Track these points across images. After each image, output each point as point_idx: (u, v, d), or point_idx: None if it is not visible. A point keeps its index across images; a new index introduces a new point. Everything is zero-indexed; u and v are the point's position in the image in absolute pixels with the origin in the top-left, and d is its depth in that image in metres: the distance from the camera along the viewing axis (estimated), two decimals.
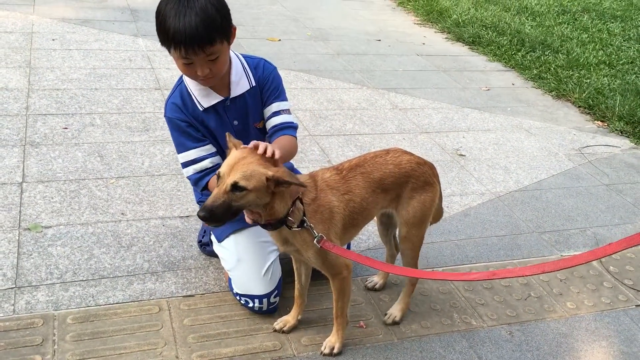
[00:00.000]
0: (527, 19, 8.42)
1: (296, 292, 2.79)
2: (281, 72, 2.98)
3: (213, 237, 3.02)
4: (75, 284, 2.94)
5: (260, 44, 6.33)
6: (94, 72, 5.25)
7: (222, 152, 2.78)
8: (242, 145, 2.32)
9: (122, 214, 3.48)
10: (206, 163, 2.75)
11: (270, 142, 2.84)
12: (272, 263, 2.86)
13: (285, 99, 2.87)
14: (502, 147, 4.92)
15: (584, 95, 6.03)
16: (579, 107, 5.95)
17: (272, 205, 2.29)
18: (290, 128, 2.82)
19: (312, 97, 5.37)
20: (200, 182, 2.77)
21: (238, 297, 2.89)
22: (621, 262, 3.65)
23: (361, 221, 2.65)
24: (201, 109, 2.73)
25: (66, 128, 4.29)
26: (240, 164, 2.21)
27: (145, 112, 4.69)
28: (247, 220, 2.39)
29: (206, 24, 2.40)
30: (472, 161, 4.63)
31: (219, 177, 2.23)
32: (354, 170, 2.58)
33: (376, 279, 3.17)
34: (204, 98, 2.72)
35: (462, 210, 3.97)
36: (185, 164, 2.78)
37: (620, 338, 3.04)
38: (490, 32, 7.66)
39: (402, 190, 2.68)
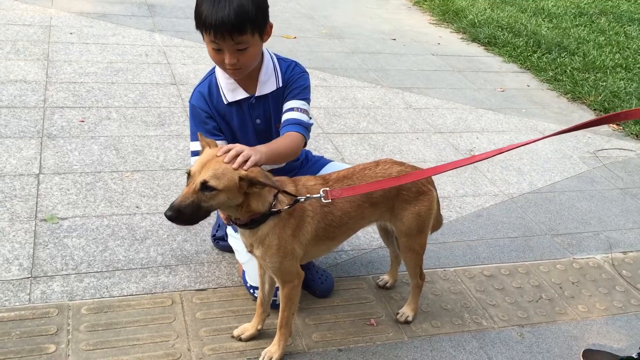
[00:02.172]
0: (544, 21, 8.38)
1: (258, 301, 2.69)
2: None
3: (229, 230, 3.04)
4: (90, 275, 2.98)
5: (275, 41, 6.34)
6: (111, 66, 5.30)
7: None
8: (215, 145, 2.31)
9: (137, 207, 3.52)
10: None
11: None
12: None
13: (305, 99, 2.80)
14: (516, 150, 4.90)
15: (599, 98, 5.99)
16: (595, 110, 5.92)
17: (248, 204, 2.24)
18: (299, 125, 2.73)
19: (326, 95, 5.38)
20: None
21: (252, 291, 2.91)
22: (634, 266, 3.64)
23: (340, 235, 2.58)
24: (225, 103, 2.75)
25: (83, 121, 4.33)
26: (212, 162, 2.15)
27: (160, 106, 4.72)
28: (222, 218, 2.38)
29: (239, 12, 2.42)
30: (486, 162, 4.62)
31: (189, 175, 2.18)
32: (341, 182, 2.49)
33: (386, 278, 3.17)
34: (230, 92, 2.74)
35: (475, 211, 3.96)
36: (195, 153, 2.76)
37: (632, 342, 3.03)
38: (506, 33, 7.63)
39: (394, 203, 2.61)
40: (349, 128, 4.85)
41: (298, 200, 2.35)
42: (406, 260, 2.81)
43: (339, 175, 2.54)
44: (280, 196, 2.35)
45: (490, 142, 4.96)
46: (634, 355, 2.78)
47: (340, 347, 2.76)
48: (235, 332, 2.73)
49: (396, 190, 2.59)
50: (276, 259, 2.39)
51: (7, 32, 5.63)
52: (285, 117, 2.77)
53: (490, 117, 5.47)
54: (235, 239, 2.96)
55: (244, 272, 2.95)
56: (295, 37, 6.72)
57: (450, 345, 2.86)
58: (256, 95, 2.74)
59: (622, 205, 4.28)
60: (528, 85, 6.39)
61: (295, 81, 2.80)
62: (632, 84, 6.36)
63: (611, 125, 5.61)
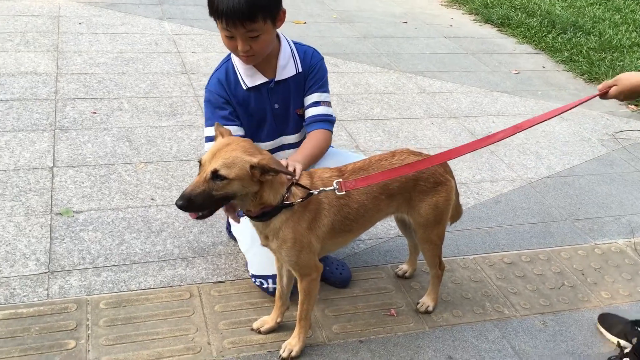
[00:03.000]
0: (558, 0, 8.22)
1: (277, 294, 2.66)
2: None
3: (231, 219, 2.99)
4: (107, 269, 2.96)
5: (285, 27, 6.23)
6: (121, 56, 5.25)
7: (256, 134, 2.80)
8: (229, 134, 2.27)
9: (152, 199, 3.49)
10: None
11: (306, 133, 2.81)
12: None
13: (327, 91, 2.84)
14: (533, 132, 4.82)
15: None
16: None
17: (260, 194, 2.20)
18: (327, 121, 2.78)
19: (338, 81, 5.31)
20: None
21: (254, 279, 2.87)
22: None
23: (357, 227, 2.54)
24: (245, 88, 2.73)
25: (95, 112, 4.30)
26: (223, 150, 2.12)
27: (172, 96, 4.68)
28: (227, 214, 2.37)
29: (250, 2, 2.40)
30: (503, 146, 4.55)
31: (200, 164, 2.15)
32: (357, 174, 2.43)
33: (405, 267, 3.13)
34: (249, 77, 2.73)
35: (493, 197, 3.90)
36: (210, 139, 2.74)
37: None
38: (519, 14, 7.50)
39: (411, 194, 2.55)
40: (362, 114, 4.79)
41: (311, 194, 2.31)
42: (424, 251, 2.77)
43: (354, 167, 2.49)
44: (294, 189, 2.31)
45: (507, 126, 4.85)
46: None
47: (361, 338, 2.73)
48: (255, 325, 2.70)
49: (413, 181, 2.54)
50: (293, 252, 2.35)
51: (16, 23, 5.59)
52: (313, 112, 2.76)
53: (506, 100, 5.39)
54: (237, 228, 2.93)
55: (246, 262, 2.92)
56: (305, 22, 6.63)
57: (472, 334, 2.82)
58: (276, 79, 2.74)
59: None
60: (543, 67, 6.28)
61: (317, 71, 2.79)
62: None
63: (630, 106, 5.51)
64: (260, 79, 2.73)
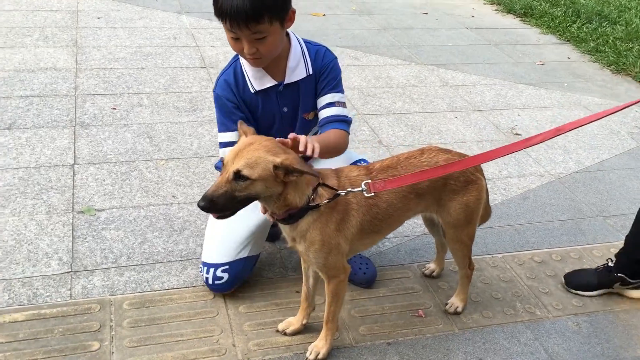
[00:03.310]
0: None
1: (302, 295, 2.60)
2: None
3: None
4: (130, 268, 2.92)
5: (303, 20, 6.18)
6: (140, 50, 5.21)
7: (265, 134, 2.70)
8: (253, 132, 2.20)
9: (173, 196, 3.44)
10: None
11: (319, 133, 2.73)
12: (243, 237, 2.73)
13: (341, 91, 2.71)
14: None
15: None
16: None
17: (285, 195, 2.13)
18: (342, 122, 2.67)
19: (359, 75, 5.22)
20: None
21: (200, 268, 2.82)
22: None
23: (386, 228, 2.47)
24: (252, 91, 2.63)
25: (115, 108, 4.26)
26: (246, 150, 2.05)
27: (192, 91, 4.63)
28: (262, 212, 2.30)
29: (256, 2, 2.28)
30: None
31: (222, 164, 2.09)
32: (385, 172, 2.35)
33: (433, 266, 3.05)
34: (257, 80, 2.62)
35: (521, 193, 3.80)
36: (224, 144, 2.67)
37: None
38: (543, 3, 7.34)
39: (441, 194, 2.48)
40: (384, 108, 4.70)
41: (339, 194, 2.24)
42: (454, 251, 2.69)
43: (382, 165, 2.41)
44: (320, 189, 2.23)
45: (533, 119, 4.77)
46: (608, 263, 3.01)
47: (389, 340, 2.66)
48: (280, 327, 2.65)
49: (443, 180, 2.46)
50: (321, 254, 2.28)
51: (35, 18, 5.57)
52: (327, 112, 2.65)
53: (531, 92, 5.26)
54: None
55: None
56: (324, 15, 6.54)
57: (504, 336, 2.74)
58: (285, 82, 2.62)
59: None
60: (568, 58, 6.14)
61: (329, 71, 2.66)
62: None
63: None
64: (269, 82, 2.61)
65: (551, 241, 3.41)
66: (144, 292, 2.80)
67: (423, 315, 2.81)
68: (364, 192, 2.23)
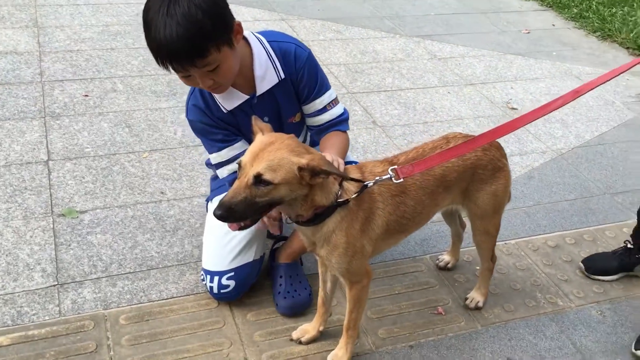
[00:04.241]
0: None
1: (319, 301, 2.41)
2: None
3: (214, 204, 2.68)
4: (122, 277, 2.67)
5: None
6: (107, 29, 4.83)
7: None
8: (270, 130, 1.96)
9: (162, 193, 3.18)
10: None
11: (318, 139, 2.52)
12: (245, 239, 2.50)
13: (327, 89, 2.46)
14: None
15: (631, 35, 5.61)
16: (628, 48, 5.55)
17: (312, 197, 1.92)
18: (340, 122, 2.47)
19: (344, 50, 4.96)
20: None
21: (201, 276, 2.59)
22: None
23: (412, 227, 2.30)
24: (225, 112, 2.36)
25: (87, 95, 3.93)
26: (267, 151, 1.83)
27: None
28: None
29: (192, 34, 1.97)
30: None
31: (240, 167, 1.86)
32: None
33: (447, 258, 2.89)
34: (226, 100, 2.34)
35: (526, 172, 3.65)
36: (219, 165, 2.48)
37: None
38: None
39: (469, 184, 2.32)
40: (374, 85, 4.47)
41: (366, 186, 2.02)
42: (479, 243, 2.53)
43: (407, 158, 2.21)
44: (346, 184, 2.02)
45: (527, 92, 4.61)
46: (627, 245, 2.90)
47: (410, 342, 2.50)
48: (295, 335, 2.45)
49: (472, 169, 2.29)
50: (344, 259, 2.08)
51: None
52: (321, 120, 2.45)
53: (521, 63, 5.09)
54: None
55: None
56: None
57: (529, 331, 2.60)
58: (257, 95, 2.35)
59: None
60: (553, 25, 5.98)
61: (307, 75, 2.38)
62: None
63: None
64: (239, 99, 2.34)
65: (562, 223, 3.28)
66: (141, 303, 2.56)
67: (443, 313, 2.64)
68: (392, 179, 2.02)
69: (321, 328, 2.44)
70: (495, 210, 2.41)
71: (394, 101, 4.29)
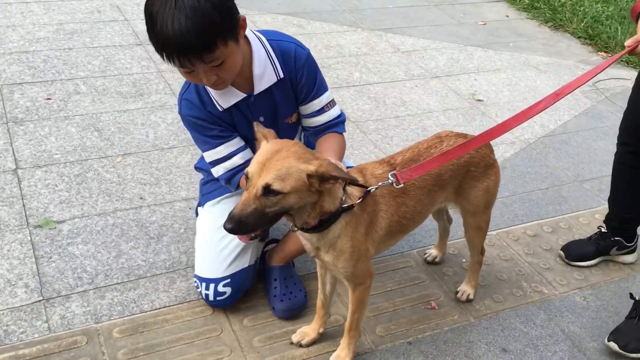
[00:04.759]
0: None
1: (318, 303, 2.40)
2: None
3: (208, 207, 2.65)
4: (110, 288, 2.58)
5: None
6: (62, 28, 4.64)
7: (252, 145, 2.40)
8: (274, 136, 1.93)
9: (141, 198, 3.09)
10: (236, 159, 2.35)
11: (314, 140, 2.50)
12: (240, 245, 2.46)
13: (325, 90, 2.42)
14: (516, 88, 4.69)
15: (582, 25, 5.81)
16: (579, 37, 5.74)
17: (320, 204, 1.90)
18: (337, 124, 2.44)
19: (308, 45, 4.78)
20: (233, 179, 2.40)
21: (196, 283, 2.54)
22: None
23: (411, 226, 2.31)
24: (221, 110, 2.30)
25: (49, 99, 3.77)
26: (274, 160, 1.79)
27: (132, 73, 4.18)
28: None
29: (201, 28, 1.91)
30: (492, 106, 4.39)
31: (247, 178, 1.82)
32: (408, 166, 2.17)
33: (435, 252, 2.93)
34: (222, 98, 2.27)
35: (499, 163, 3.73)
36: (214, 163, 2.38)
37: None
38: None
39: (461, 182, 2.35)
40: (342, 80, 4.48)
41: (369, 191, 2.03)
42: (471, 239, 2.58)
43: (404, 158, 2.22)
44: (350, 189, 2.02)
45: (490, 83, 4.71)
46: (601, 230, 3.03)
47: (409, 339, 2.53)
48: (295, 338, 2.43)
49: (465, 167, 2.33)
50: (350, 263, 2.08)
51: None
52: (319, 121, 2.42)
53: (481, 54, 5.20)
54: (208, 213, 2.59)
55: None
56: None
57: (519, 320, 2.68)
58: (255, 93, 2.29)
59: None
60: (507, 16, 6.13)
61: (305, 76, 2.33)
62: (609, 7, 6.20)
63: (600, 53, 5.47)
64: (236, 97, 2.28)
65: (539, 212, 3.38)
66: (134, 314, 2.49)
67: (436, 307, 2.69)
68: (394, 184, 2.03)
69: (321, 330, 2.44)
70: (486, 206, 2.47)
71: (363, 96, 4.30)
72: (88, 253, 2.73)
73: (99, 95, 3.88)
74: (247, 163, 2.26)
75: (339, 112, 2.47)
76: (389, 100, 4.30)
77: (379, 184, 2.05)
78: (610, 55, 5.42)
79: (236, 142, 2.36)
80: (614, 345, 2.53)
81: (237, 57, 2.10)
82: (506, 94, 4.58)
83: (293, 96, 2.39)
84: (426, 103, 4.32)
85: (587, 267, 3.01)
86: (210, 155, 2.37)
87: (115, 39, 4.60)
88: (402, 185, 2.05)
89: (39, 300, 2.48)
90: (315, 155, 1.89)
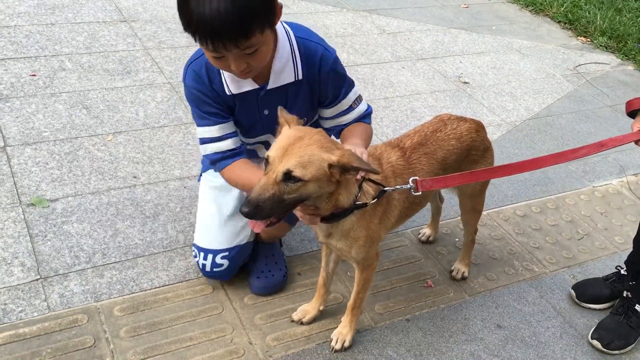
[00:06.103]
0: None
1: (320, 281, 2.42)
2: None
3: (208, 175, 2.59)
4: (109, 267, 2.57)
5: None
6: (43, 3, 4.51)
7: (246, 132, 2.37)
8: (298, 122, 1.89)
9: (135, 177, 3.06)
10: (228, 143, 2.25)
11: (337, 136, 2.41)
12: (243, 220, 2.39)
13: (352, 87, 2.34)
14: (501, 71, 4.75)
15: (562, 9, 5.90)
16: (559, 22, 5.83)
17: (336, 196, 1.90)
18: (364, 117, 2.37)
19: None
20: (220, 164, 2.28)
21: (194, 253, 2.53)
22: None
23: (415, 210, 2.34)
24: (228, 93, 2.18)
25: (34, 75, 3.68)
26: (296, 146, 1.77)
27: (118, 50, 4.11)
28: (300, 218, 1.98)
29: (240, 12, 1.78)
30: (477, 89, 4.44)
31: (267, 162, 1.80)
32: (417, 151, 2.21)
33: (428, 231, 2.98)
34: (234, 82, 2.15)
35: None
36: (206, 140, 2.26)
37: None
38: None
39: (461, 165, 2.38)
40: None
41: (385, 191, 2.05)
42: (468, 220, 2.64)
43: (413, 143, 2.25)
44: (365, 186, 2.02)
45: (475, 66, 4.77)
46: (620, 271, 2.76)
47: (407, 316, 2.58)
48: (296, 317, 2.46)
49: (467, 151, 2.38)
50: (363, 250, 2.12)
51: None
52: (348, 118, 2.33)
53: (465, 37, 5.24)
54: (211, 182, 2.53)
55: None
56: None
57: (512, 298, 2.75)
58: (268, 88, 2.18)
59: (617, 124, 4.28)
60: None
61: (334, 78, 2.24)
62: None
63: (580, 37, 5.56)
64: (249, 86, 2.16)
65: (527, 193, 3.45)
66: (134, 293, 2.48)
67: (432, 286, 2.74)
68: (412, 191, 2.05)
69: (321, 307, 2.47)
70: (482, 189, 2.53)
71: (352, 76, 4.27)
72: (84, 232, 2.70)
73: (85, 72, 3.80)
74: (236, 150, 2.25)
75: (366, 106, 2.38)
76: (377, 81, 4.31)
77: (396, 186, 2.05)
78: (589, 40, 5.52)
79: (230, 126, 2.27)
80: (597, 344, 2.54)
81: (270, 45, 1.99)
82: (491, 77, 4.63)
83: (309, 100, 2.28)
84: (414, 85, 4.35)
85: (599, 310, 2.76)
86: (204, 132, 2.26)
87: (99, 15, 4.50)
88: (419, 193, 2.04)
89: (37, 279, 2.46)
90: (337, 145, 1.87)
